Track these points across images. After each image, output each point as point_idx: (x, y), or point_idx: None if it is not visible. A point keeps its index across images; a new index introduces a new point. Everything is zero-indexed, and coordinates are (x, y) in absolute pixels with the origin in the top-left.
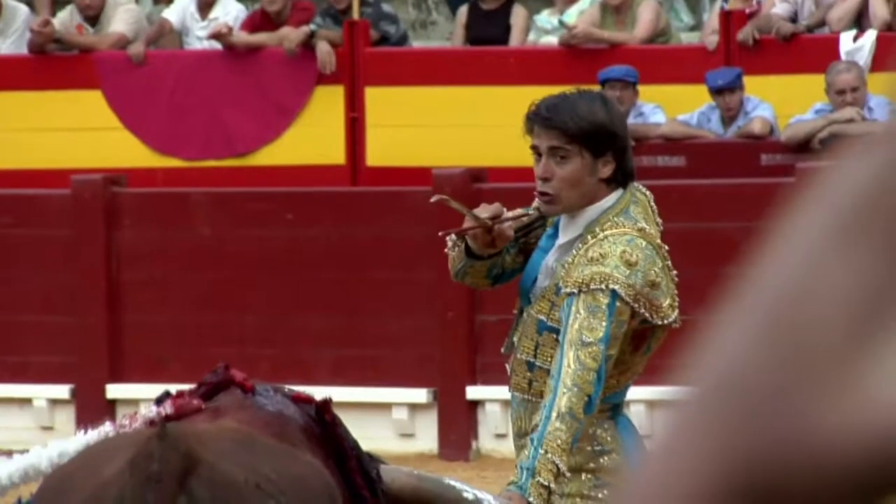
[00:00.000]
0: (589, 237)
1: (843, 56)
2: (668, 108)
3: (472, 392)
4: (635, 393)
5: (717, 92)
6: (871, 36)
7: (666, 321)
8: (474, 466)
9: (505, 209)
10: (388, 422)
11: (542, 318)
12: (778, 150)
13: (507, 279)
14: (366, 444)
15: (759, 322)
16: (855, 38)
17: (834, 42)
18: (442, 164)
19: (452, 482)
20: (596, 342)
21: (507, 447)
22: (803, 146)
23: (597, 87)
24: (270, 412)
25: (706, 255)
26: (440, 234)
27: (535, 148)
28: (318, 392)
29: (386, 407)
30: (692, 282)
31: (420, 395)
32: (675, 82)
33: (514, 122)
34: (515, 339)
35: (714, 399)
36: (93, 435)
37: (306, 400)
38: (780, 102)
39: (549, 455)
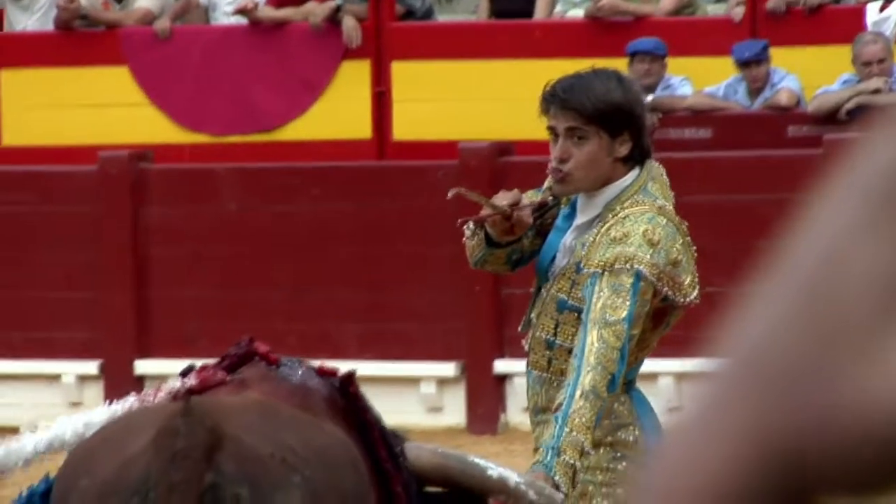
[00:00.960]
0: (609, 216)
1: (869, 27)
2: (694, 80)
3: (500, 365)
4: (663, 366)
5: (743, 64)
6: None
7: (687, 299)
8: (502, 440)
9: (523, 196)
10: (416, 396)
11: (563, 296)
12: (804, 121)
13: (526, 262)
14: (393, 419)
15: (792, 296)
16: (881, 9)
17: (860, 13)
18: (468, 137)
19: (476, 459)
20: (620, 321)
21: None
22: (830, 117)
23: (623, 61)
24: (294, 384)
25: (732, 227)
26: (458, 222)
27: (551, 129)
28: (347, 367)
29: (414, 381)
30: (718, 254)
31: (448, 368)
32: (702, 54)
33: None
34: (534, 316)
35: (747, 372)
36: (118, 407)
37: (330, 373)
38: (807, 74)
39: (574, 433)
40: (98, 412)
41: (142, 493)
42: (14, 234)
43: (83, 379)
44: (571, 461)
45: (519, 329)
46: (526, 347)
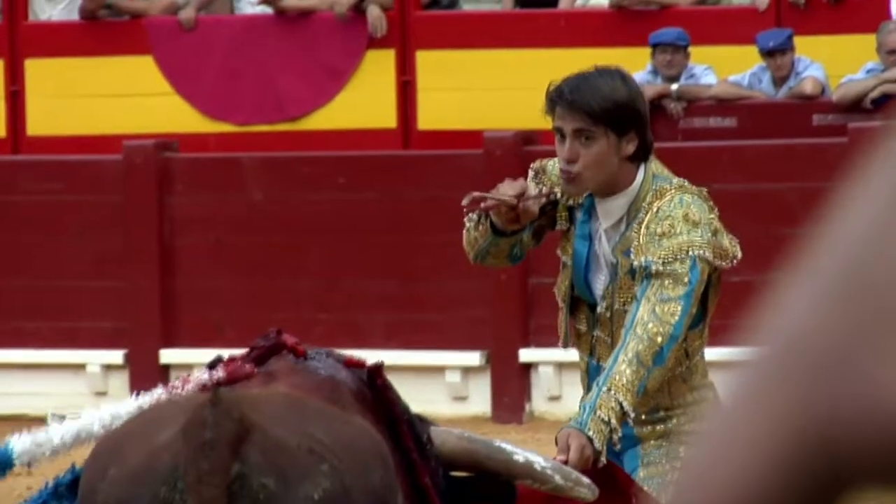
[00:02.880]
0: (641, 215)
1: (893, 15)
2: (718, 69)
3: (525, 354)
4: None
5: (767, 53)
6: None
7: (736, 259)
8: (528, 429)
9: (531, 185)
10: (442, 385)
11: None
12: (829, 110)
13: (523, 257)
14: (419, 408)
15: (828, 284)
16: None
17: (885, 1)
18: (493, 126)
19: (502, 444)
20: (676, 299)
21: (560, 409)
22: (855, 106)
23: (646, 50)
24: (322, 376)
25: (759, 216)
26: (463, 203)
27: (558, 129)
28: (372, 356)
29: (439, 370)
30: (745, 242)
31: (473, 357)
32: (726, 43)
33: None
34: (599, 333)
35: (783, 360)
36: (145, 398)
37: (358, 364)
38: (831, 62)
39: (613, 392)
40: (125, 404)
41: (170, 482)
42: (39, 223)
43: (108, 368)
44: (606, 418)
45: (561, 345)
46: (582, 357)
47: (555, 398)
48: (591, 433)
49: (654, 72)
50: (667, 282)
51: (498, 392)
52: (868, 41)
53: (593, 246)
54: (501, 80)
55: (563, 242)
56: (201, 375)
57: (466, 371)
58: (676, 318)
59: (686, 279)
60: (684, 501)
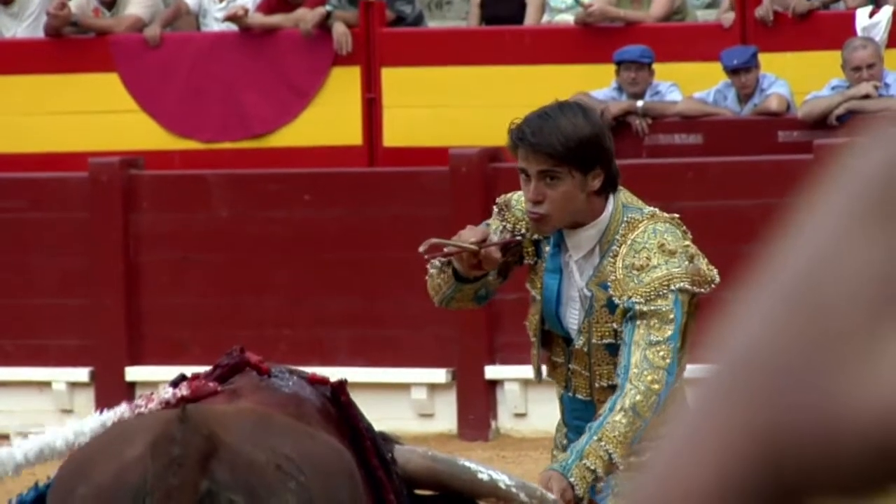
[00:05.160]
0: (615, 247)
1: (859, 32)
2: (684, 86)
3: (491, 371)
4: None
5: (732, 71)
6: (887, 12)
7: (714, 284)
8: (494, 446)
9: (492, 232)
10: (408, 402)
11: (610, 341)
12: (795, 126)
13: (490, 297)
14: (385, 425)
15: (783, 299)
16: (871, 15)
17: (850, 18)
18: (458, 143)
19: (467, 463)
20: (665, 341)
21: (526, 427)
22: (820, 123)
23: (612, 67)
24: (286, 394)
25: (723, 233)
26: (421, 250)
27: (522, 170)
28: (338, 373)
29: (405, 387)
30: (710, 259)
31: (439, 375)
32: (692, 60)
33: (531, 101)
34: (576, 367)
35: (738, 374)
36: (109, 415)
37: (322, 381)
38: (796, 79)
39: (603, 443)
40: (88, 421)
41: (139, 499)
42: (4, 240)
43: (74, 386)
44: (593, 467)
45: (535, 378)
46: (558, 389)
47: (521, 415)
48: (573, 479)
49: (619, 88)
50: (653, 322)
51: (464, 409)
52: (833, 58)
53: (564, 279)
54: (467, 97)
55: (531, 276)
56: (164, 393)
57: (432, 388)
58: (668, 360)
59: (671, 316)
60: None
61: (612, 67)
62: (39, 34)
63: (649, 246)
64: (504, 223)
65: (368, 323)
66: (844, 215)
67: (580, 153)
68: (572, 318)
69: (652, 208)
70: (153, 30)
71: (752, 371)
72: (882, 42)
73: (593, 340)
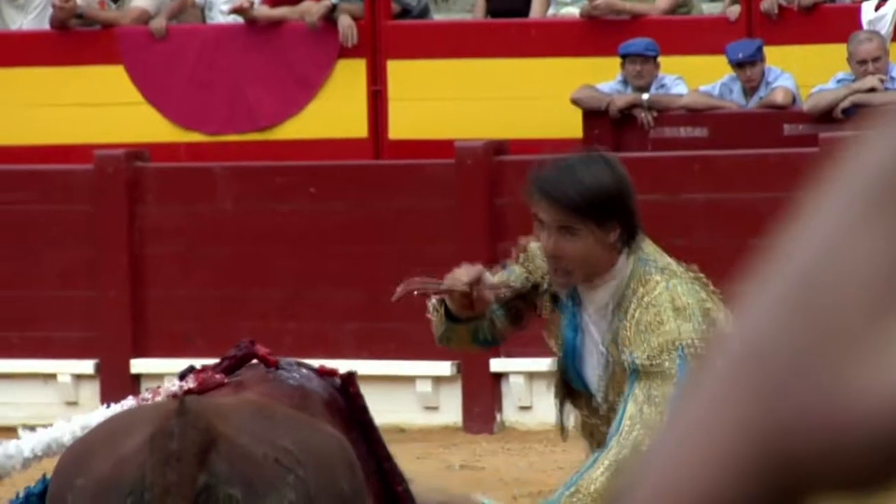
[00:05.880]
0: (627, 303)
1: (864, 25)
2: (689, 79)
3: (496, 364)
4: None
5: (737, 65)
6: (892, 5)
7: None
8: (498, 439)
9: (487, 273)
10: (413, 395)
11: None
12: (800, 119)
13: (495, 343)
14: (390, 418)
15: (787, 293)
16: (876, 8)
17: (855, 11)
18: (464, 136)
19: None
20: (663, 398)
21: (531, 419)
22: (826, 116)
23: (617, 59)
24: (291, 385)
25: (729, 226)
26: (401, 288)
27: (539, 219)
28: (343, 366)
29: (410, 380)
30: (715, 252)
31: (444, 367)
32: (697, 53)
33: (536, 94)
34: (599, 422)
35: (742, 368)
36: (115, 409)
37: (330, 373)
38: (802, 72)
39: (578, 499)
40: (96, 415)
41: (137, 493)
42: (10, 233)
43: (79, 378)
44: None
45: (561, 435)
46: (584, 443)
47: (525, 408)
48: None
49: (624, 81)
50: (655, 380)
51: (469, 402)
52: (839, 51)
53: (581, 335)
54: (472, 90)
55: (549, 326)
56: (172, 386)
57: (437, 381)
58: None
59: (673, 372)
60: None
61: (617, 60)
62: (45, 26)
63: (660, 302)
64: (528, 274)
65: (373, 316)
66: (849, 209)
67: (600, 207)
68: (591, 373)
69: (667, 260)
70: (159, 22)
71: (756, 365)
72: (888, 35)
73: (611, 398)
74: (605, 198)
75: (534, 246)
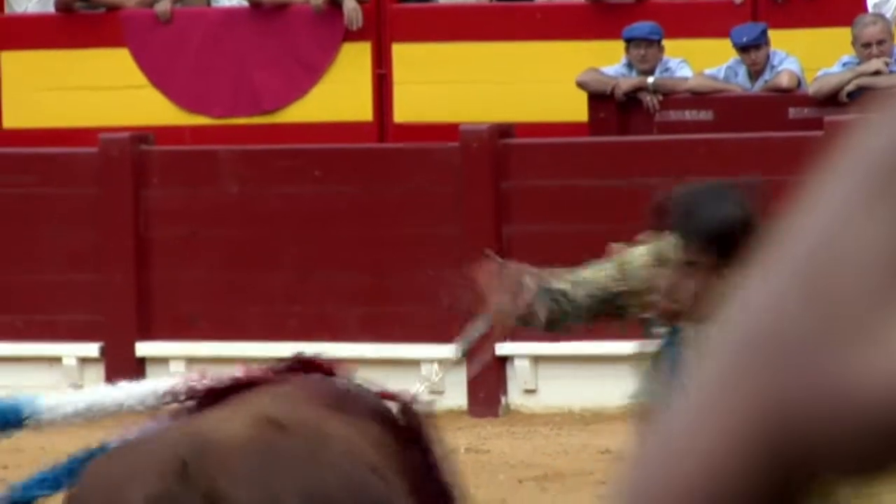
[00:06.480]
0: None
1: (869, 8)
2: (694, 63)
3: (501, 348)
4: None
5: (741, 49)
6: None
7: None
8: (504, 422)
9: (526, 276)
10: (417, 378)
11: None
12: (805, 103)
13: (578, 322)
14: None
15: (791, 276)
16: None
17: None
18: (469, 119)
19: None
20: None
21: (536, 403)
22: (831, 99)
23: (621, 43)
24: (338, 386)
25: None
26: (463, 347)
27: (668, 255)
28: (347, 349)
29: (414, 363)
30: None
31: (449, 350)
32: (702, 36)
33: (541, 77)
34: None
35: (743, 354)
36: (162, 384)
37: (392, 397)
38: (807, 56)
39: None
40: (142, 386)
41: None
42: (15, 216)
43: (84, 361)
44: None
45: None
46: None
47: (531, 391)
48: None
49: (629, 65)
50: None
51: (474, 385)
52: (843, 34)
53: (676, 371)
54: (477, 73)
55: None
56: (219, 372)
57: (442, 364)
58: None
59: None
60: (643, 494)
61: (622, 44)
62: (50, 9)
63: None
64: (620, 285)
65: (378, 299)
66: (852, 194)
67: (726, 243)
68: None
69: None
70: (164, 5)
71: (758, 349)
72: (893, 18)
73: None
74: (735, 234)
75: (634, 258)
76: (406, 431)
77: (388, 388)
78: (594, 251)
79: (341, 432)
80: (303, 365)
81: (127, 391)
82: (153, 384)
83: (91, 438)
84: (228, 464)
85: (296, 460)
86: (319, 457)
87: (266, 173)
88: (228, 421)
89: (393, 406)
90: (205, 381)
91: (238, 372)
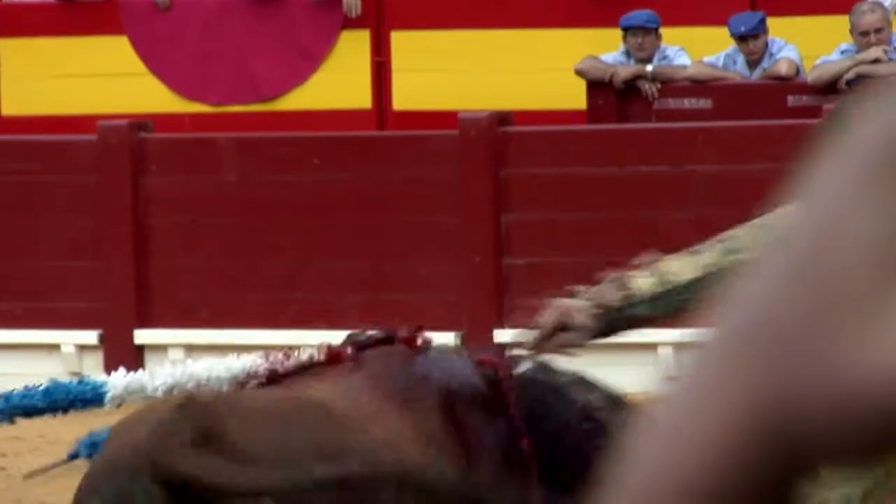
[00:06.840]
0: None
1: None
2: (692, 51)
3: (500, 335)
4: (663, 335)
5: (739, 38)
6: None
7: None
8: None
9: (572, 305)
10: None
11: None
12: (804, 91)
13: (680, 308)
14: None
15: (788, 265)
16: None
17: None
18: (468, 107)
19: None
20: None
21: None
22: (830, 87)
23: (619, 32)
24: (410, 371)
25: (733, 197)
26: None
27: None
28: (345, 336)
29: None
30: (719, 224)
31: (448, 339)
32: (700, 24)
33: (540, 65)
34: None
35: (742, 339)
36: (236, 364)
37: (491, 363)
38: (805, 44)
39: None
40: (220, 363)
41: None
42: (14, 203)
43: (83, 349)
44: None
45: None
46: None
47: None
48: None
49: (627, 53)
50: None
51: None
52: (842, 22)
53: None
54: (476, 61)
55: None
56: (302, 354)
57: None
58: None
59: None
60: (640, 485)
61: (619, 32)
62: None
63: None
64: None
65: (377, 287)
66: (848, 180)
67: None
68: None
69: None
70: None
71: (757, 337)
72: (891, 7)
73: None
74: None
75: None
76: (493, 402)
77: (486, 355)
78: (592, 239)
79: (382, 432)
80: (387, 341)
81: (208, 365)
82: (227, 362)
83: (89, 425)
84: (236, 412)
85: (310, 428)
86: (337, 428)
87: (265, 161)
88: (268, 394)
89: (488, 373)
90: (287, 363)
91: (320, 353)
